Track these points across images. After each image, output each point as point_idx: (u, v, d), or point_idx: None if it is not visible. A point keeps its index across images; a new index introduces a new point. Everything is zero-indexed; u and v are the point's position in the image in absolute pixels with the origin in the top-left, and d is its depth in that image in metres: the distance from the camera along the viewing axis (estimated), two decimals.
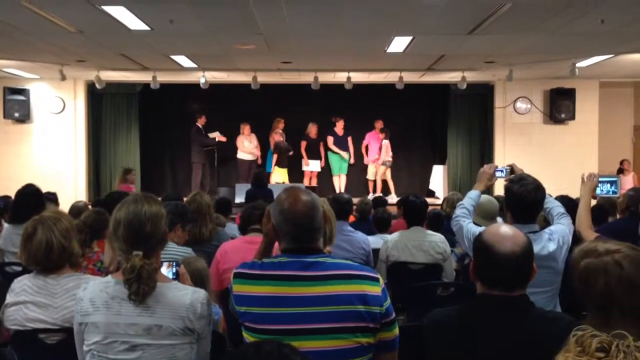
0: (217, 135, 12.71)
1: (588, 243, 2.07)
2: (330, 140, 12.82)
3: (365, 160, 12.97)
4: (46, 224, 2.82)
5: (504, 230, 2.13)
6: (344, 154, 12.83)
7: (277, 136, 12.68)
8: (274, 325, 2.09)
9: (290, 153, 12.64)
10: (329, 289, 2.09)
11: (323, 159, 12.95)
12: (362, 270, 2.18)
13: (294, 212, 2.14)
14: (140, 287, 2.15)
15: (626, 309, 1.88)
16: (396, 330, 2.20)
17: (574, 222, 3.53)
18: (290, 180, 12.58)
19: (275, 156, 12.49)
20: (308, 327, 2.07)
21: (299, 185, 5.72)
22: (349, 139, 12.90)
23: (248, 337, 2.15)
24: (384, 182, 12.89)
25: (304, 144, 12.79)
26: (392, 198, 11.44)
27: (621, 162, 12.30)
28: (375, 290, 2.12)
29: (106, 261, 3.97)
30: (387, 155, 12.80)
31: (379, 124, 12.91)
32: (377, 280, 2.15)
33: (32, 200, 4.85)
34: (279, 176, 12.50)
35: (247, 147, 12.77)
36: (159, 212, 2.30)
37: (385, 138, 12.74)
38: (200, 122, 12.71)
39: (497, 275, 2.07)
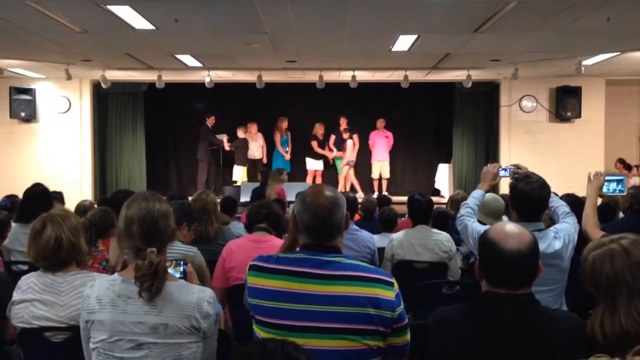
0: (225, 140, 12.75)
1: (594, 241, 2.10)
2: (331, 139, 12.84)
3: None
4: (55, 220, 2.84)
5: (510, 228, 2.12)
6: (339, 154, 12.83)
7: (241, 133, 12.72)
8: (283, 320, 2.09)
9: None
10: (341, 289, 2.09)
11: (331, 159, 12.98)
12: (377, 273, 2.17)
13: (315, 203, 2.16)
14: (154, 284, 2.15)
15: (633, 290, 1.94)
16: (407, 337, 2.20)
17: (580, 221, 3.52)
18: (294, 179, 12.61)
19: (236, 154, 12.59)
20: (316, 325, 2.07)
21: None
22: (355, 137, 12.88)
23: (258, 331, 2.16)
24: (350, 181, 12.89)
25: (314, 143, 12.80)
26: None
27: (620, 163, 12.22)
28: (389, 294, 2.11)
29: (112, 259, 3.98)
30: (352, 154, 12.80)
31: (381, 123, 12.92)
32: (391, 284, 2.14)
33: (40, 200, 4.86)
34: (238, 174, 12.52)
35: (253, 147, 12.80)
36: (168, 210, 2.33)
37: (350, 137, 12.74)
38: (210, 122, 12.75)
39: (503, 273, 2.06)
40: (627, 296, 1.94)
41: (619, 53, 9.43)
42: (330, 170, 13.16)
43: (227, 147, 12.79)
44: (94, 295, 2.25)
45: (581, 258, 2.09)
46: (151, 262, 2.15)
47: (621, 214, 5.36)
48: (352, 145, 12.72)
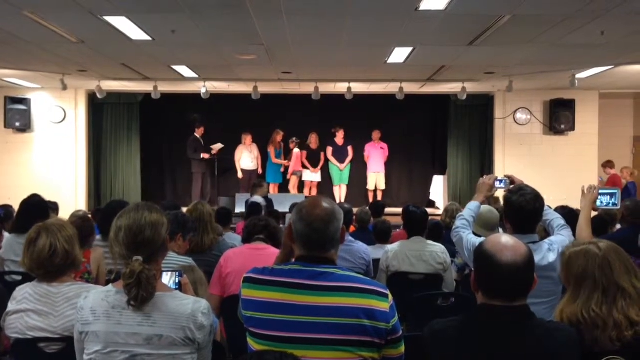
0: (216, 148, 12.70)
1: (575, 241, 2.29)
2: (329, 150, 12.86)
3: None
4: (51, 229, 2.85)
5: (506, 240, 2.12)
6: (340, 166, 12.84)
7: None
8: (277, 332, 2.09)
9: None
10: (335, 300, 2.08)
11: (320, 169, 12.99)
12: (371, 284, 2.17)
13: (311, 214, 2.16)
14: (140, 292, 2.14)
15: (598, 285, 2.15)
16: (402, 349, 2.20)
17: (574, 233, 3.53)
18: (287, 190, 12.61)
19: None
20: (311, 337, 2.06)
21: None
22: (350, 149, 12.90)
23: (252, 343, 2.15)
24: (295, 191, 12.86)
25: (304, 153, 12.82)
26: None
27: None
28: (383, 306, 2.11)
29: (94, 270, 3.99)
30: (298, 165, 12.81)
31: (377, 135, 12.94)
32: (386, 296, 2.14)
33: (36, 211, 4.85)
34: None
35: (247, 157, 12.80)
36: (159, 220, 2.31)
37: (298, 147, 12.75)
38: (199, 133, 12.72)
39: (499, 286, 2.07)
40: (591, 289, 2.15)
41: (612, 66, 9.49)
42: (326, 181, 13.16)
43: (215, 148, 12.55)
44: (88, 307, 2.24)
45: (561, 255, 2.21)
46: (133, 270, 2.15)
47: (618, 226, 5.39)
48: (297, 156, 12.74)
